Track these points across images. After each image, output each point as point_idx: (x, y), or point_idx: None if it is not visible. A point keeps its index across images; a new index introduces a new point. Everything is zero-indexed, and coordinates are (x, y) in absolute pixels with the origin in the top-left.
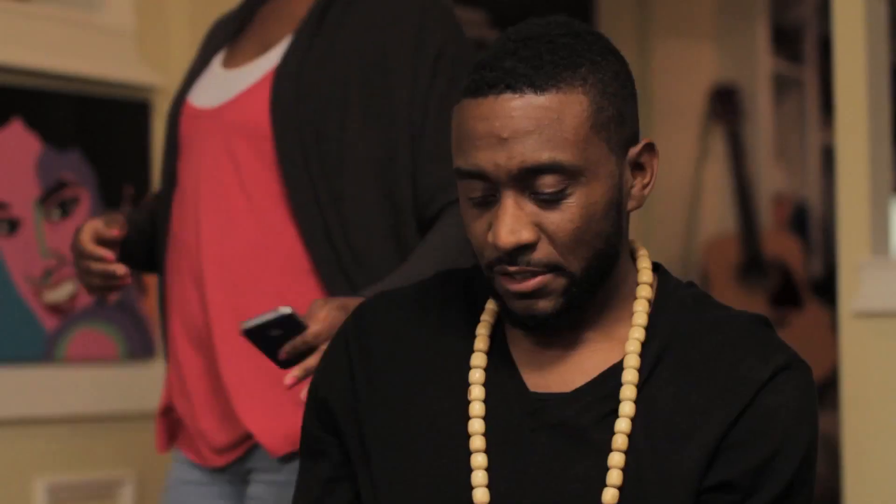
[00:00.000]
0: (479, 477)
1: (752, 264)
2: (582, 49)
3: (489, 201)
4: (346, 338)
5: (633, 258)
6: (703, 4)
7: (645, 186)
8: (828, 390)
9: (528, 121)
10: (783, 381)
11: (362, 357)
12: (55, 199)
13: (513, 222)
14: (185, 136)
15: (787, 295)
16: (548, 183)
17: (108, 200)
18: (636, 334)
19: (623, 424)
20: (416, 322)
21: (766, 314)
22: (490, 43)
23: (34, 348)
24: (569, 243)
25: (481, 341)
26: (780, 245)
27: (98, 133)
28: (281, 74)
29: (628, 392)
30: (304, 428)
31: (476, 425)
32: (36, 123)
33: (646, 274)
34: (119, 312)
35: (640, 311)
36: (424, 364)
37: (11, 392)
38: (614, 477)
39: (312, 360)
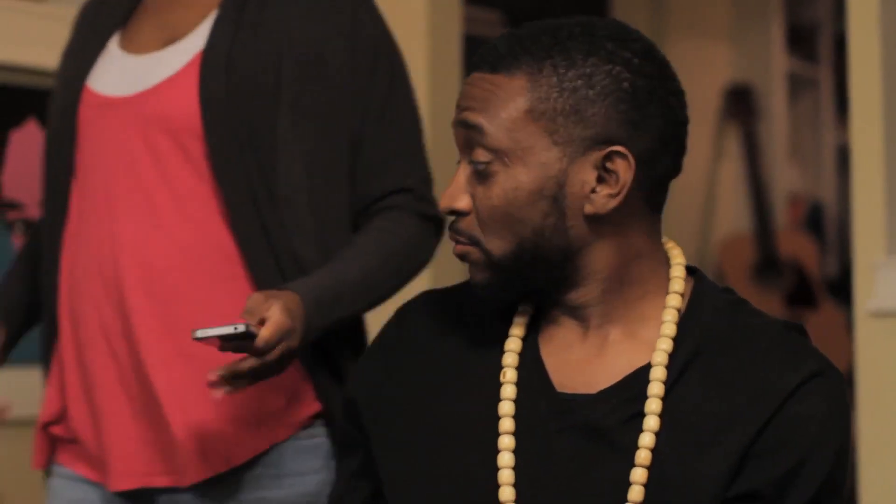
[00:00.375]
0: (505, 476)
1: (767, 264)
2: (568, 46)
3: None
4: (386, 338)
5: (667, 259)
6: (718, 4)
7: (613, 196)
8: None
9: (478, 91)
10: (812, 389)
11: (400, 358)
12: None
13: (454, 188)
14: (86, 125)
15: (802, 295)
16: (478, 154)
17: None
18: (663, 345)
19: (652, 422)
20: (455, 322)
21: (781, 314)
22: None
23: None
24: (487, 221)
25: (513, 342)
26: (795, 245)
27: None
28: (208, 65)
29: (655, 388)
30: (340, 422)
31: (506, 424)
32: None
33: (677, 283)
34: None
35: (669, 322)
36: (457, 363)
37: (26, 392)
38: (639, 475)
39: (245, 364)
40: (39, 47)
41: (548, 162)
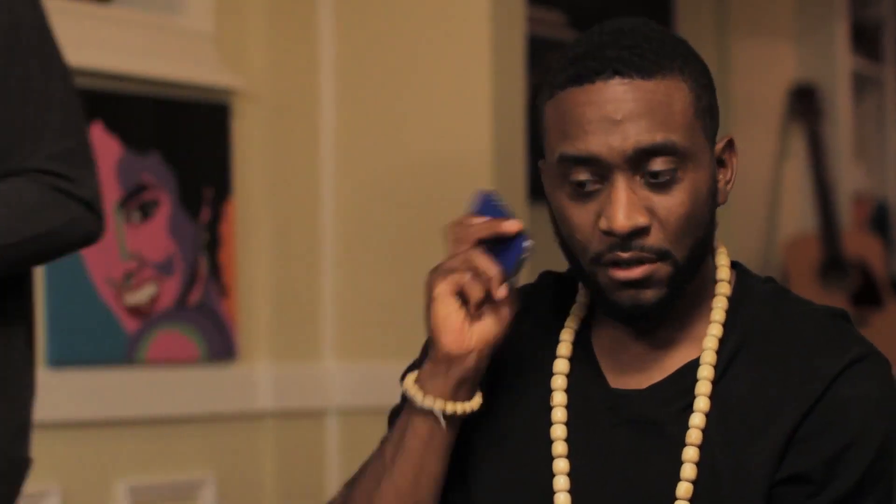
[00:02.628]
0: (560, 482)
1: (833, 264)
2: (672, 42)
3: (592, 192)
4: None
5: (713, 255)
6: (783, 3)
7: (727, 182)
8: None
9: (640, 103)
10: (857, 372)
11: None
12: (135, 201)
13: (628, 206)
14: None
15: (867, 294)
16: (660, 165)
17: (188, 203)
18: (714, 331)
19: (697, 419)
20: (518, 324)
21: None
22: (568, 43)
23: (116, 350)
24: (677, 229)
25: (564, 347)
26: (860, 244)
27: (178, 136)
28: None
29: (703, 388)
30: None
31: (558, 431)
32: (116, 126)
33: (724, 271)
34: (200, 314)
35: (719, 308)
36: (512, 369)
37: (93, 394)
38: (688, 471)
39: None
40: (104, 50)
41: (709, 160)
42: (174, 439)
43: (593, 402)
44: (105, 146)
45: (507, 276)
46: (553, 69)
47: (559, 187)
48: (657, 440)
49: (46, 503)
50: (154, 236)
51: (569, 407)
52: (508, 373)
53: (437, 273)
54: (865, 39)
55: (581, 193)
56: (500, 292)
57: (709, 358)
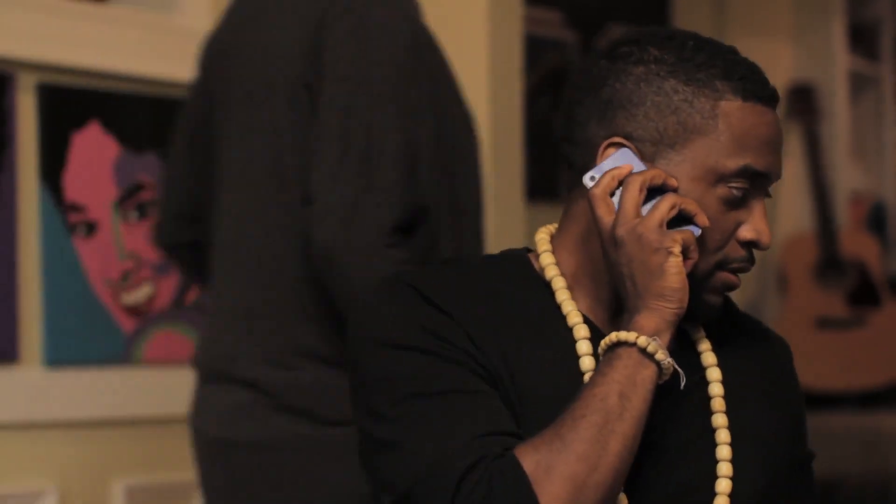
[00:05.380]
0: None
1: (830, 263)
2: None
3: (740, 202)
4: (429, 311)
5: None
6: (780, 2)
7: None
8: None
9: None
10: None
11: (465, 330)
12: (132, 201)
13: (768, 223)
14: None
15: (864, 294)
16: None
17: None
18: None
19: (717, 389)
20: (493, 298)
21: (845, 313)
22: (565, 44)
23: (113, 350)
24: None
25: (574, 316)
26: (857, 244)
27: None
28: None
29: (710, 359)
30: None
31: None
32: (113, 126)
33: None
34: (197, 314)
35: None
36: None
37: (90, 394)
38: (721, 420)
39: None
40: (101, 49)
41: None
42: (171, 439)
43: None
44: (102, 145)
45: None
46: (702, 66)
47: (712, 188)
48: (685, 407)
49: (43, 503)
50: (151, 236)
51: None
52: (522, 350)
53: (657, 231)
54: (863, 39)
55: (734, 202)
56: (695, 258)
57: (699, 333)
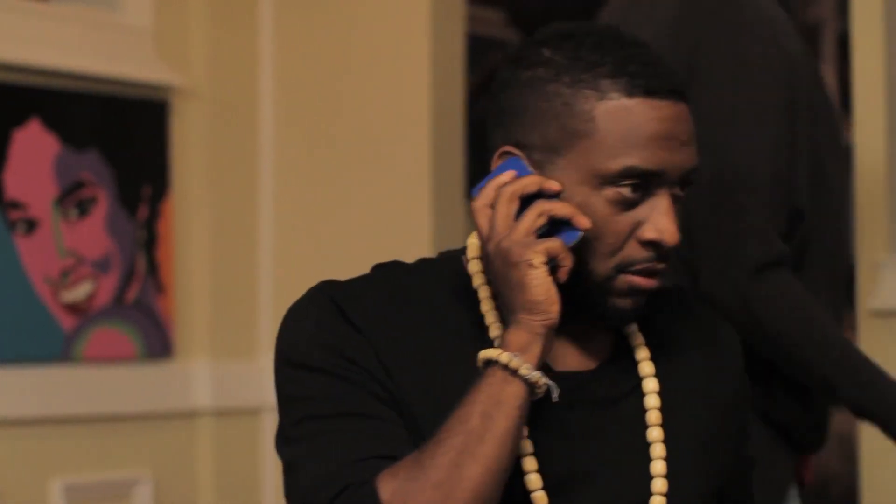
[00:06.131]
0: (529, 463)
1: None
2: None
3: (635, 202)
4: (338, 326)
5: None
6: None
7: None
8: None
9: (691, 127)
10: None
11: (374, 347)
12: (73, 198)
13: (675, 221)
14: None
15: None
16: (686, 186)
17: (126, 200)
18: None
19: (652, 401)
20: (409, 311)
21: None
22: (508, 43)
23: (52, 348)
24: (675, 246)
25: (497, 328)
26: None
27: (116, 133)
28: None
29: (647, 368)
30: None
31: None
32: (54, 123)
33: None
34: (137, 312)
35: None
36: (435, 352)
37: (29, 392)
38: (657, 434)
39: None
40: (42, 46)
41: None
42: (110, 437)
43: None
44: (43, 143)
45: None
46: (589, 67)
47: (598, 190)
48: (618, 419)
49: None
50: (91, 234)
51: None
52: (441, 365)
53: (520, 243)
54: (805, 39)
55: (626, 203)
56: (564, 277)
57: (638, 339)
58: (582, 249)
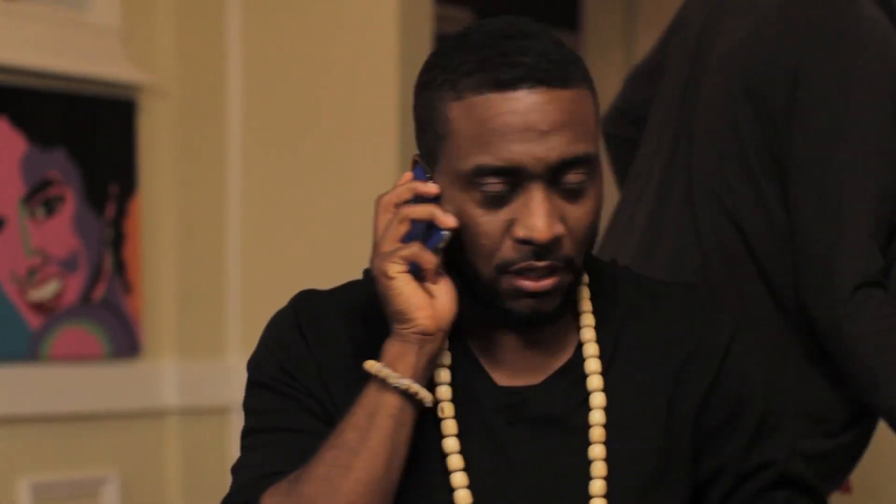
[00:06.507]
0: (458, 479)
1: None
2: (570, 49)
3: (504, 200)
4: (291, 339)
5: None
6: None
7: None
8: None
9: (563, 114)
10: (740, 347)
11: (319, 364)
12: (40, 197)
13: (548, 216)
14: None
15: None
16: (575, 176)
17: (93, 199)
18: (587, 321)
19: (597, 416)
20: (357, 326)
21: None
22: (459, 37)
23: (19, 347)
24: (583, 238)
25: (443, 356)
26: None
27: (83, 131)
28: None
29: (595, 382)
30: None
31: (450, 444)
32: (21, 122)
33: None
34: (104, 310)
35: (586, 298)
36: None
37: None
38: (598, 451)
39: None
40: (9, 45)
41: (601, 166)
42: (78, 436)
43: (485, 406)
44: (10, 142)
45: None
46: (454, 67)
47: (465, 192)
48: (561, 436)
49: None
50: (58, 232)
51: (458, 417)
52: None
53: (381, 255)
54: None
55: (493, 201)
56: (432, 279)
57: (592, 350)
58: (467, 252)
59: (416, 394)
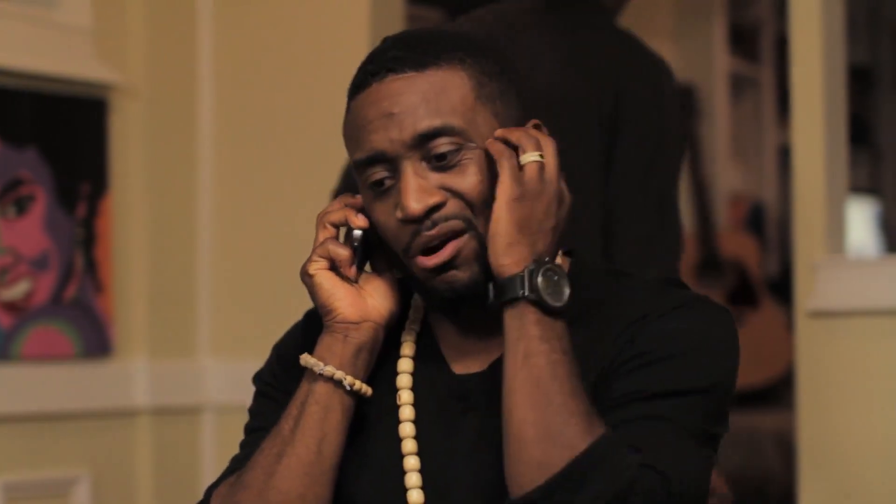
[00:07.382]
0: (410, 462)
1: (709, 263)
2: (454, 39)
3: (389, 188)
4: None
5: None
6: (661, 4)
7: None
8: (784, 389)
9: (415, 95)
10: (683, 311)
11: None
12: (10, 196)
13: (417, 191)
14: None
15: (743, 294)
16: (442, 144)
17: (64, 198)
18: None
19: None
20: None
21: None
22: None
23: None
24: (477, 201)
25: (408, 347)
26: (736, 244)
27: (55, 131)
28: None
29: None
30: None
31: (406, 429)
32: None
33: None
34: (75, 310)
35: None
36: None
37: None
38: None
39: None
40: None
41: None
42: (49, 436)
43: (441, 394)
44: None
45: (353, 261)
46: (352, 82)
47: (365, 191)
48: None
49: None
50: (29, 232)
51: (417, 403)
52: (379, 368)
53: (307, 261)
54: (743, 40)
55: (380, 192)
56: (348, 272)
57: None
58: (389, 249)
59: (342, 380)
